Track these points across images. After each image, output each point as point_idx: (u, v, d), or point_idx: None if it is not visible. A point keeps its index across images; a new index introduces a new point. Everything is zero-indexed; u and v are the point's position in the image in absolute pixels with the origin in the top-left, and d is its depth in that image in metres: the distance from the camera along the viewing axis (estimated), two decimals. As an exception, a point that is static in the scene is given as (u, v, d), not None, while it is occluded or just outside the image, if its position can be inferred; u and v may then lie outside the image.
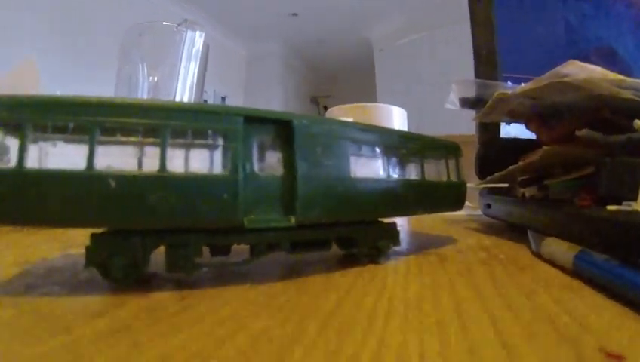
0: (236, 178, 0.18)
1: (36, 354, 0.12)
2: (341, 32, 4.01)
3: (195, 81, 0.42)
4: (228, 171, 0.18)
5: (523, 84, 0.39)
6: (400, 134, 0.24)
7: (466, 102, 0.41)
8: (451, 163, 0.27)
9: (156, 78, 0.41)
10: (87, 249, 0.18)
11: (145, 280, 0.19)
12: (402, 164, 0.24)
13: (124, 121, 0.17)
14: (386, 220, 0.24)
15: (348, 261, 0.24)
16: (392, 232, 0.24)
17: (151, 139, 0.17)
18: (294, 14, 3.75)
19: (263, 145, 0.20)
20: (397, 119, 0.46)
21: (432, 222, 0.44)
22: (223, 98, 3.88)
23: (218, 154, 0.19)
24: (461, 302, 0.16)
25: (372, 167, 0.22)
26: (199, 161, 0.18)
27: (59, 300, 0.17)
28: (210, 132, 0.18)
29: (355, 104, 0.46)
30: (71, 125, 0.16)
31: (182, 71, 0.41)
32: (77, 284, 0.19)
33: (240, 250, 0.21)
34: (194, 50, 0.42)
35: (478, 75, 0.48)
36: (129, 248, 0.18)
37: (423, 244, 0.29)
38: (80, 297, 0.17)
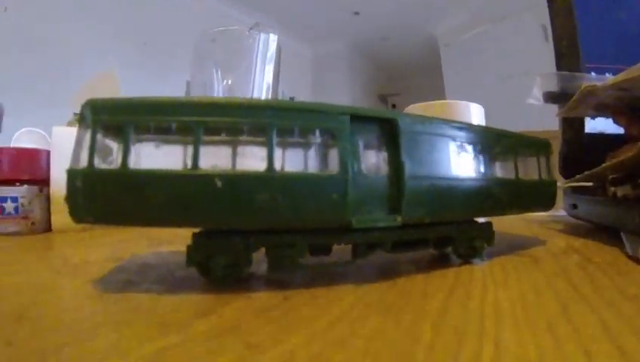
0: (346, 177, 0.18)
1: (149, 353, 0.12)
2: (405, 28, 3.95)
3: (270, 83, 0.42)
4: (337, 170, 0.18)
5: (608, 75, 0.37)
6: (495, 131, 0.24)
7: (550, 97, 0.39)
8: (542, 161, 0.26)
9: (230, 82, 0.42)
10: (189, 248, 0.18)
11: (243, 279, 0.19)
12: (497, 162, 0.24)
13: (229, 121, 0.17)
14: (481, 219, 0.24)
15: (439, 260, 0.24)
16: (488, 232, 0.24)
17: (258, 139, 0.17)
18: (356, 13, 3.73)
19: (368, 144, 0.19)
20: (475, 116, 0.45)
21: (514, 222, 0.43)
22: (292, 99, 3.93)
23: (319, 152, 0.19)
24: (566, 305, 0.16)
25: (470, 166, 0.22)
26: (302, 160, 0.18)
27: (160, 298, 0.17)
28: (317, 131, 0.18)
29: (432, 102, 0.44)
30: (174, 125, 0.17)
31: (257, 73, 0.42)
32: (174, 282, 0.20)
33: (336, 249, 0.21)
34: (268, 52, 0.42)
35: (559, 67, 0.45)
36: (232, 248, 0.18)
37: (512, 245, 0.28)
38: (181, 295, 0.17)
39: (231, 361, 0.11)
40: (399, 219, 0.19)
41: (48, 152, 0.42)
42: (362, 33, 4.12)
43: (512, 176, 0.24)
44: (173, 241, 0.31)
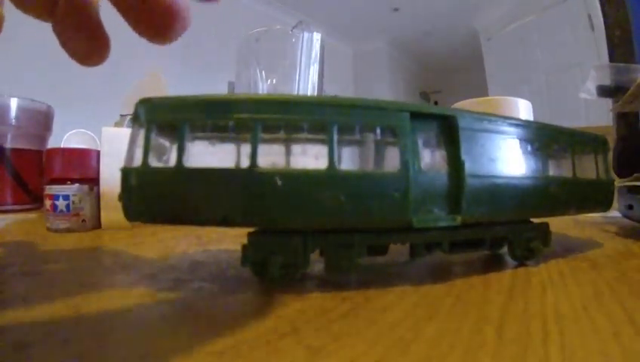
0: (407, 175, 0.17)
1: (206, 353, 0.12)
2: (444, 23, 3.88)
3: (315, 82, 0.43)
4: (398, 169, 0.17)
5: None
6: (552, 128, 0.23)
7: (603, 91, 0.37)
8: (600, 158, 0.25)
9: (274, 81, 0.43)
10: (244, 247, 0.18)
11: (297, 280, 0.19)
12: (555, 160, 0.23)
13: (289, 118, 0.17)
14: (537, 220, 0.23)
15: (493, 262, 0.23)
16: (545, 233, 0.23)
17: (317, 136, 0.17)
18: (396, 9, 3.70)
19: (427, 141, 0.19)
20: (523, 112, 0.43)
21: (566, 223, 0.41)
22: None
23: (379, 150, 0.18)
24: (632, 312, 0.15)
25: (528, 164, 0.21)
26: (358, 157, 0.18)
27: (213, 297, 0.17)
28: (378, 129, 0.18)
29: (479, 98, 0.44)
30: (231, 124, 0.16)
31: (302, 73, 0.42)
32: (226, 281, 0.20)
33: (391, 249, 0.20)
34: (312, 52, 0.42)
35: (612, 58, 0.43)
36: (289, 248, 0.18)
37: (567, 247, 0.27)
38: (235, 295, 0.18)
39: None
40: (459, 218, 0.19)
41: (98, 152, 0.43)
42: (402, 29, 4.08)
43: (569, 174, 0.23)
44: (222, 240, 0.31)
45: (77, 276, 0.22)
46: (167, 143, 0.17)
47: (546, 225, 0.23)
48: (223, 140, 0.17)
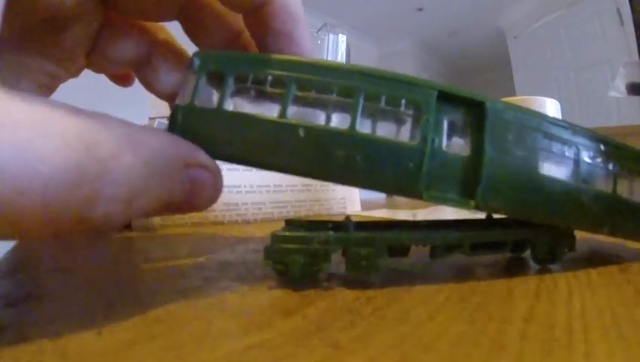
0: (424, 148, 0.18)
1: (233, 350, 0.12)
2: (469, 22, 3.83)
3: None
4: (417, 142, 0.18)
5: None
6: (595, 136, 0.21)
7: (634, 89, 0.36)
8: None
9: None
10: (267, 248, 0.18)
11: (321, 279, 0.19)
12: (593, 171, 0.21)
13: (319, 80, 0.18)
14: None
15: (515, 265, 0.23)
16: (569, 237, 0.22)
17: (344, 100, 0.18)
18: (420, 9, 3.67)
19: (453, 124, 0.19)
20: (551, 112, 0.42)
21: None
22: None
23: (406, 127, 0.19)
24: (663, 319, 0.14)
25: (559, 166, 0.20)
26: (386, 129, 0.18)
27: (241, 295, 0.18)
28: (403, 102, 0.18)
29: (505, 98, 0.43)
30: (269, 78, 0.18)
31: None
32: (254, 280, 0.20)
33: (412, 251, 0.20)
34: (338, 53, 0.43)
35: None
36: (310, 248, 0.18)
37: (594, 250, 0.27)
38: (262, 294, 0.18)
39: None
40: (472, 203, 0.18)
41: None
42: (427, 29, 4.05)
43: (607, 189, 0.21)
44: (248, 241, 0.32)
45: (109, 274, 0.23)
46: (214, 91, 0.19)
47: (570, 228, 0.22)
48: (262, 95, 0.19)
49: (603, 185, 0.21)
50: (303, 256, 0.18)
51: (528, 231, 0.21)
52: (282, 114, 0.17)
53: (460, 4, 3.53)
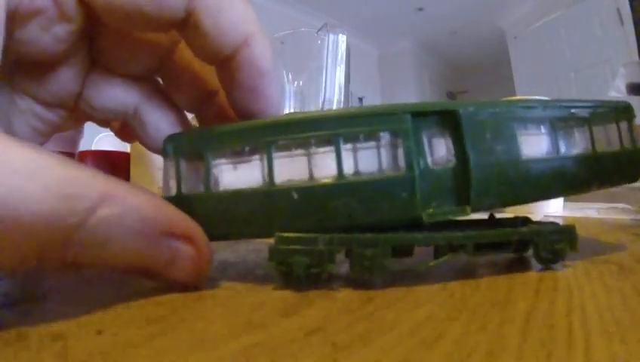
0: (413, 175, 0.18)
1: (235, 349, 0.12)
2: (469, 22, 3.84)
3: (342, 84, 0.43)
4: (404, 170, 0.18)
5: None
6: (564, 103, 0.22)
7: (634, 89, 0.36)
8: (623, 127, 0.23)
9: (301, 82, 0.43)
10: (271, 248, 0.18)
11: (323, 280, 0.19)
12: (569, 137, 0.22)
13: (297, 137, 0.18)
14: (564, 223, 0.22)
15: (518, 264, 0.23)
16: (571, 236, 0.22)
17: (327, 148, 0.18)
18: (420, 9, 3.67)
19: (431, 137, 0.19)
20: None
21: (595, 226, 0.40)
22: (360, 99, 3.91)
23: (386, 153, 0.19)
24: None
25: (539, 145, 0.21)
26: (367, 162, 0.19)
27: (242, 295, 0.18)
28: (381, 134, 0.19)
29: (504, 99, 0.43)
30: (246, 149, 0.19)
31: (328, 75, 0.42)
32: (254, 280, 0.20)
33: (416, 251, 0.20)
34: (338, 53, 0.42)
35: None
36: (315, 249, 0.18)
37: (595, 250, 0.27)
38: (263, 293, 0.18)
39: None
40: (468, 209, 0.19)
41: (128, 155, 0.44)
42: (427, 29, 4.05)
43: (587, 149, 0.22)
44: (249, 240, 0.32)
45: (109, 274, 0.23)
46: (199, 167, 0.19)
47: (573, 227, 0.22)
48: (244, 162, 0.19)
49: (583, 147, 0.22)
50: (307, 257, 0.18)
51: (531, 231, 0.21)
52: (271, 181, 0.18)
53: (460, 4, 3.54)
